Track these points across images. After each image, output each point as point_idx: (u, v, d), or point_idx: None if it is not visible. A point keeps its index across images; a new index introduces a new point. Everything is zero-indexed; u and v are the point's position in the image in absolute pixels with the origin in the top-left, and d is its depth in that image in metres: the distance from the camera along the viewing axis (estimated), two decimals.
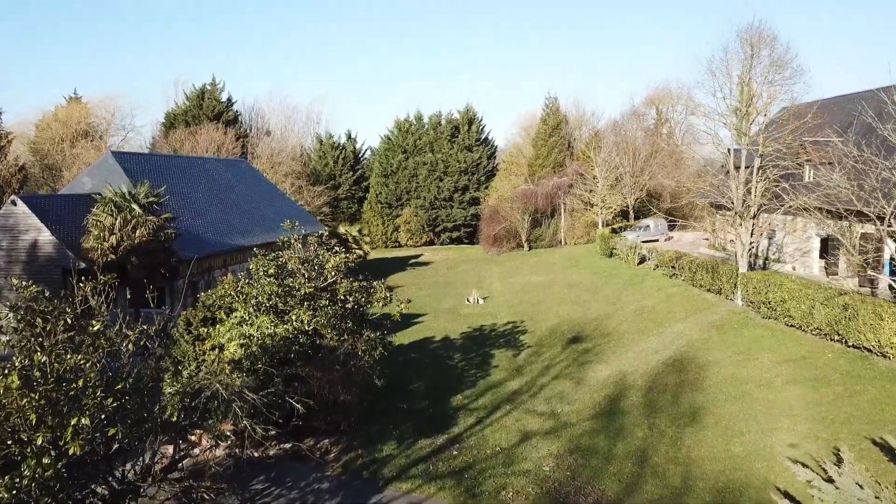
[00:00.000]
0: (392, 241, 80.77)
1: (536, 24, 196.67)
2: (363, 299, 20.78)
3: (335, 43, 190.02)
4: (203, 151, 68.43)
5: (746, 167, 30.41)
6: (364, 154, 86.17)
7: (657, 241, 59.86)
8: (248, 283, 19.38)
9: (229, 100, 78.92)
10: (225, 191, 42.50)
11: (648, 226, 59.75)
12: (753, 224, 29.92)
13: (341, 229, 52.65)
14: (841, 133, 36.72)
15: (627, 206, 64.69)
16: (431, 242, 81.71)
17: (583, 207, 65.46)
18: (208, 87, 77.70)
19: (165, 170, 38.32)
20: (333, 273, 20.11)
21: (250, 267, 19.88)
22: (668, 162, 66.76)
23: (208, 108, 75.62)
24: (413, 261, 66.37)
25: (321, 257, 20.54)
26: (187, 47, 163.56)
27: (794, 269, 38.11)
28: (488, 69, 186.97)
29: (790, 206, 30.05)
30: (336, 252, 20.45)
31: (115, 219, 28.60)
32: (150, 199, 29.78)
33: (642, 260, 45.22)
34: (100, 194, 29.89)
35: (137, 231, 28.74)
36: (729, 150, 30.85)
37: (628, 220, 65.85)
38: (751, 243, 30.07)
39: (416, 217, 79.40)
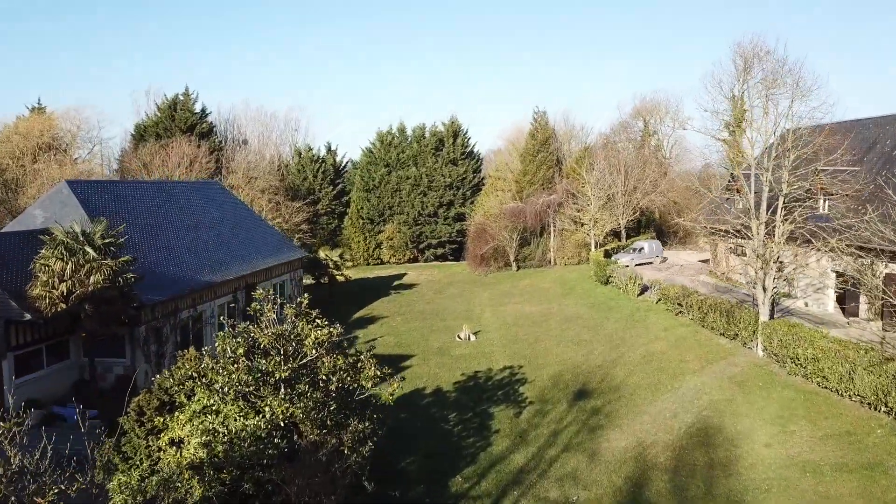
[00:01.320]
0: (374, 258, 77.66)
1: (524, 33, 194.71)
2: (349, 378, 17.75)
3: (313, 50, 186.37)
4: (175, 166, 64.92)
5: (769, 209, 27.59)
6: (345, 167, 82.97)
7: (651, 263, 57.59)
8: (213, 368, 16.25)
9: (203, 111, 75.32)
10: (195, 219, 39.18)
11: (642, 248, 57.43)
12: (777, 269, 27.24)
13: (321, 254, 49.52)
14: (857, 161, 34.49)
15: (619, 226, 62.26)
16: (415, 259, 78.75)
17: (573, 227, 62.92)
18: (181, 98, 74.05)
19: (128, 198, 34.94)
20: (314, 350, 17.07)
21: (216, 344, 16.76)
22: (662, 181, 64.52)
23: (181, 119, 71.98)
24: (397, 282, 63.33)
25: (299, 329, 17.49)
26: (160, 54, 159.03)
27: (806, 305, 35.75)
28: (474, 77, 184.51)
29: (813, 246, 27.59)
30: (318, 325, 17.37)
31: (66, 263, 25.24)
32: (107, 239, 26.46)
33: (643, 290, 42.70)
34: (49, 233, 26.53)
35: (92, 277, 25.41)
36: (749, 186, 27.99)
37: (620, 240, 63.49)
38: (774, 288, 27.41)
39: (399, 233, 76.40)
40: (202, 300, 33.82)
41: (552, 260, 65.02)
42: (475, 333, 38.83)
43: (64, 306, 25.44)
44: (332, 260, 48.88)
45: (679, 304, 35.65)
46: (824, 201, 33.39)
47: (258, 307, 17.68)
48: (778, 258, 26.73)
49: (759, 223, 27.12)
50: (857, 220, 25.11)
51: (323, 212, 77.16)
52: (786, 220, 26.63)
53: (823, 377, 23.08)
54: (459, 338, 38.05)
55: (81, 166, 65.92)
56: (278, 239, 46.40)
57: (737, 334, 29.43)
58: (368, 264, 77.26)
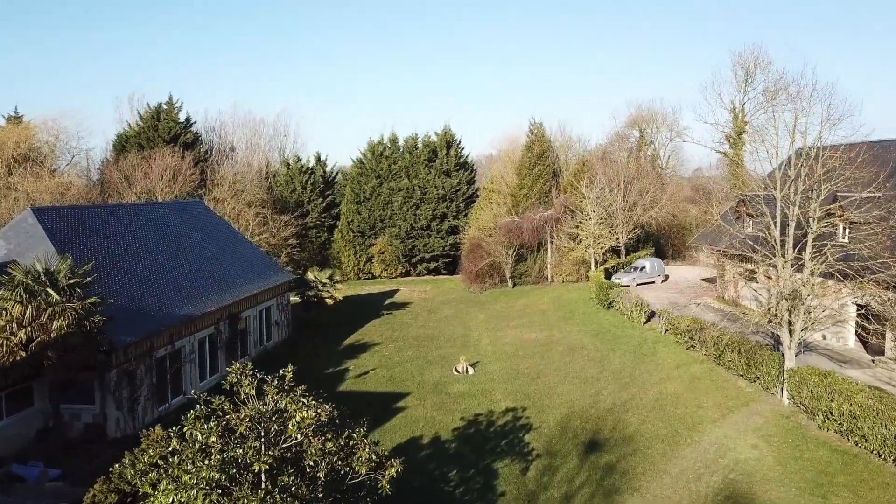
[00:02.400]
0: (365, 272, 75.25)
1: (519, 40, 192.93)
2: (340, 462, 15.42)
3: (302, 57, 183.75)
4: (157, 178, 62.38)
5: (797, 249, 25.34)
6: (335, 179, 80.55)
7: (653, 282, 55.61)
8: (179, 460, 13.86)
9: (188, 120, 72.79)
10: (175, 244, 36.75)
11: (644, 266, 55.43)
12: (806, 311, 25.04)
13: (310, 275, 47.13)
14: (880, 186, 32.48)
15: (619, 243, 60.22)
16: (408, 273, 76.43)
17: (571, 243, 60.81)
18: (164, 107, 71.52)
19: (101, 225, 32.48)
20: (300, 433, 14.73)
21: (184, 430, 14.39)
22: (662, 196, 62.60)
23: (164, 129, 69.42)
24: (389, 301, 60.97)
25: (282, 405, 15.12)
26: (143, 57, 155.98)
27: (824, 337, 33.70)
28: (466, 81, 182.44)
29: (843, 285, 25.52)
30: (304, 403, 14.96)
31: (26, 307, 22.84)
32: (73, 279, 24.04)
33: (649, 317, 40.63)
34: (8, 270, 24.07)
35: (54, 322, 23.00)
36: (773, 221, 25.75)
37: (619, 256, 61.47)
38: (803, 331, 25.23)
39: (390, 247, 74.06)
40: (181, 335, 31.40)
41: (549, 277, 62.91)
42: (473, 365, 36.60)
43: (24, 354, 23.03)
44: (320, 281, 46.48)
45: (691, 338, 33.54)
46: (844, 230, 31.39)
47: (234, 379, 15.34)
48: (806, 299, 24.59)
49: (786, 261, 24.97)
50: (893, 260, 23.06)
51: (312, 225, 74.75)
52: (815, 259, 24.49)
53: (863, 437, 21.00)
54: (457, 371, 35.80)
55: (60, 179, 63.16)
56: (264, 261, 44.00)
57: (758, 377, 27.34)
58: (359, 279, 74.84)
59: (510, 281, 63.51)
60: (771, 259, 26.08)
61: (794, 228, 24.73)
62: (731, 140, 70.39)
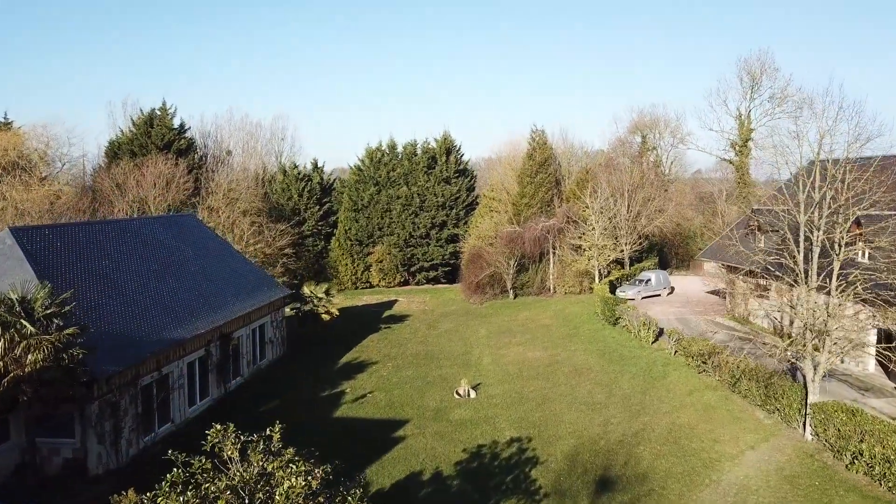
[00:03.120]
0: (363, 281, 73.77)
1: (519, 45, 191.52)
2: None
3: (299, 61, 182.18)
4: (150, 186, 60.92)
5: (821, 277, 23.82)
6: (332, 186, 79.04)
7: (659, 295, 54.20)
8: None
9: (182, 126, 71.27)
10: (164, 262, 35.22)
11: (649, 279, 53.98)
12: (833, 342, 23.50)
13: (305, 290, 45.60)
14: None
15: (623, 254, 58.77)
16: (406, 282, 74.96)
17: (574, 254, 59.36)
18: (158, 113, 69.97)
19: (86, 244, 30.93)
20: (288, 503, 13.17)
21: (158, 500, 12.83)
22: (668, 205, 61.15)
23: (157, 136, 67.89)
24: (387, 312, 59.49)
25: (269, 468, 13.55)
26: (139, 62, 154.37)
27: (842, 361, 32.23)
28: (466, 89, 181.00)
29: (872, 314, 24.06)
30: (293, 470, 13.37)
31: None
32: (49, 309, 22.51)
33: (657, 335, 39.18)
34: None
35: (29, 356, 21.43)
36: (797, 247, 24.18)
37: (623, 267, 60.04)
38: (829, 361, 23.71)
39: (389, 255, 72.56)
40: (169, 360, 29.87)
41: (551, 288, 61.47)
42: (475, 388, 35.11)
43: None
44: (316, 296, 44.94)
45: (703, 362, 32.07)
46: (864, 252, 29.92)
47: (215, 439, 13.78)
48: (833, 331, 23.08)
49: (810, 289, 23.46)
50: None
51: (309, 233, 73.24)
52: (842, 288, 22.97)
53: None
54: (458, 394, 34.31)
55: (49, 188, 61.57)
56: (258, 276, 42.47)
57: (778, 409, 25.87)
58: (357, 288, 73.38)
59: (511, 292, 62.08)
60: (793, 286, 24.55)
61: (818, 255, 23.19)
62: (737, 148, 69.02)
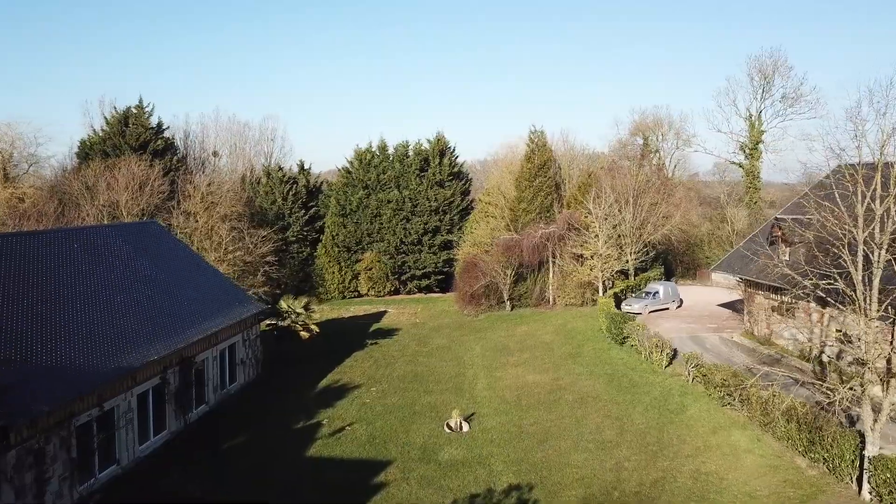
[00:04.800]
0: (351, 290, 69.73)
1: (516, 45, 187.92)
2: None
3: (289, 61, 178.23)
4: (123, 189, 56.89)
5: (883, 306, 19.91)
6: (319, 189, 74.94)
7: (667, 308, 50.38)
8: None
9: (159, 125, 67.13)
10: (117, 275, 31.19)
11: (657, 292, 50.15)
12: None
13: (283, 304, 41.56)
14: None
15: (628, 264, 54.89)
16: (397, 291, 70.96)
17: (575, 263, 55.47)
18: (134, 111, 65.83)
19: (20, 257, 26.88)
20: None
21: None
22: (675, 212, 57.33)
23: (132, 136, 63.83)
24: (375, 326, 55.52)
25: None
26: (119, 63, 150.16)
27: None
28: (460, 91, 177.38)
29: None
30: None
31: None
32: None
33: (671, 357, 35.32)
34: None
35: None
36: (854, 266, 20.17)
37: (627, 277, 56.18)
38: (893, 407, 19.78)
39: (379, 263, 68.56)
40: (114, 392, 25.79)
41: (551, 300, 57.56)
42: (468, 419, 31.17)
43: None
44: (294, 311, 40.93)
45: (728, 394, 28.15)
46: None
47: None
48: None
49: (870, 319, 19.48)
50: None
51: (293, 239, 69.17)
52: None
53: None
54: (449, 427, 30.33)
55: (14, 191, 57.48)
56: (229, 291, 38.44)
57: (825, 459, 21.95)
58: (344, 297, 69.35)
59: (508, 303, 58.21)
60: (846, 315, 20.64)
61: (878, 279, 19.23)
62: (747, 150, 65.35)
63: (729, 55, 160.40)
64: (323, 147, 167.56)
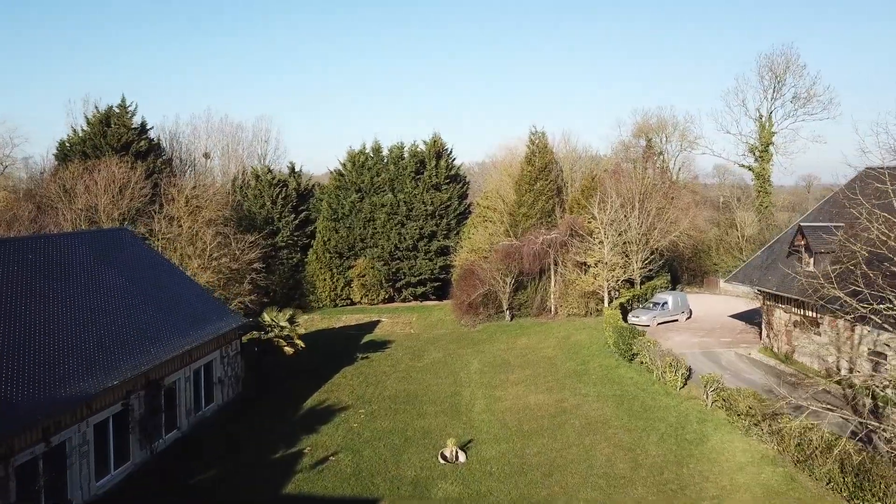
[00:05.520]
0: (343, 297, 66.82)
1: (513, 45, 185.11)
2: None
3: (284, 62, 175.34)
4: (102, 192, 53.99)
5: None
6: (311, 192, 71.95)
7: (676, 320, 47.55)
8: None
9: (143, 126, 64.18)
10: (77, 289, 28.24)
11: (665, 302, 47.30)
12: None
13: (266, 317, 38.61)
14: None
15: (634, 273, 52.05)
16: (391, 299, 68.05)
17: (577, 271, 52.64)
18: (116, 111, 62.89)
19: None
20: None
21: None
22: (684, 217, 54.52)
23: (113, 136, 60.91)
24: (367, 338, 52.59)
25: None
26: (109, 60, 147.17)
27: None
28: (458, 86, 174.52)
29: None
30: None
31: None
32: None
33: (686, 377, 32.44)
34: None
35: None
36: None
37: (632, 286, 53.33)
38: None
39: (372, 269, 65.66)
40: (66, 423, 22.86)
41: (553, 309, 54.70)
42: (464, 448, 28.26)
43: None
44: (278, 324, 37.99)
45: (757, 423, 25.25)
46: None
47: None
48: None
49: None
50: None
51: (283, 245, 66.20)
52: None
53: None
54: (444, 458, 27.42)
55: None
56: (207, 303, 35.49)
57: None
58: (336, 306, 66.42)
59: (507, 313, 55.34)
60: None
61: None
62: (757, 152, 62.53)
63: (736, 55, 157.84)
64: (318, 149, 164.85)
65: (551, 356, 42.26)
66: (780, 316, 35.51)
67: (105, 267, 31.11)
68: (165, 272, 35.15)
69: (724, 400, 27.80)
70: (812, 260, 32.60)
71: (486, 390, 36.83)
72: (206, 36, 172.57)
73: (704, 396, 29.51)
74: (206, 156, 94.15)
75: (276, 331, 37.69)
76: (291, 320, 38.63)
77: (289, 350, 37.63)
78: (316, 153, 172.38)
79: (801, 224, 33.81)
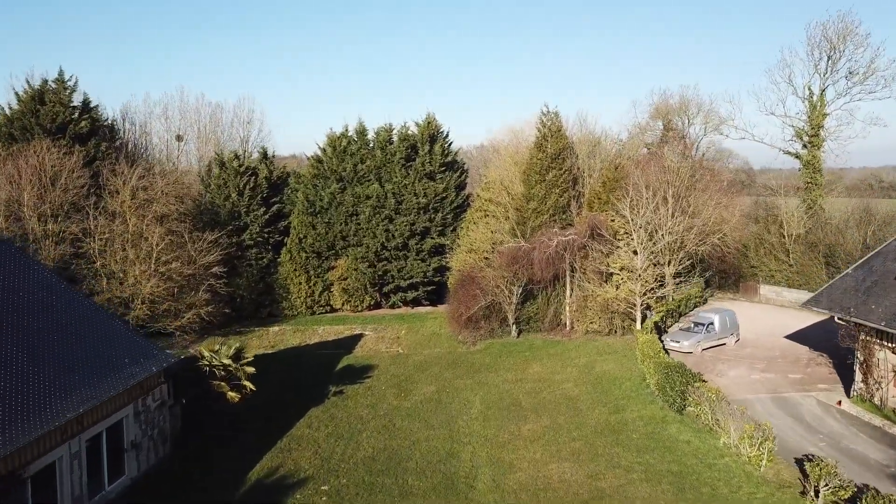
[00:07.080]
0: (321, 304, 57.80)
1: (514, 25, 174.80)
2: None
3: (266, 42, 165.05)
4: (27, 184, 44.67)
5: None
6: (285, 182, 62.50)
7: (724, 344, 38.73)
8: None
9: (86, 104, 54.64)
10: None
11: (711, 322, 38.38)
12: None
13: (204, 352, 29.48)
14: None
15: (668, 286, 43.08)
16: (378, 305, 59.04)
17: (600, 280, 43.73)
18: (52, 86, 53.34)
19: None
20: None
21: None
22: (730, 216, 45.45)
23: (47, 116, 51.41)
24: (345, 361, 43.60)
25: None
26: (55, 31, 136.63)
27: None
28: (456, 66, 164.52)
29: None
30: None
31: None
32: None
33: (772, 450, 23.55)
34: None
35: None
36: None
37: (664, 298, 44.42)
38: None
39: (355, 272, 56.56)
40: None
41: (568, 324, 45.83)
42: None
43: None
44: (221, 363, 28.95)
45: None
46: None
47: None
48: None
49: None
50: None
51: (251, 243, 57.01)
52: None
53: None
54: None
55: None
56: (117, 340, 26.34)
57: None
58: (314, 313, 57.42)
59: (514, 328, 46.50)
60: None
61: None
62: (806, 138, 53.38)
63: (785, 23, 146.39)
64: (306, 133, 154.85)
65: (573, 395, 33.40)
66: (888, 358, 26.61)
67: None
68: (59, 298, 25.94)
69: (831, 478, 18.94)
70: None
71: (492, 450, 27.94)
72: (189, 16, 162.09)
73: (809, 489, 20.58)
74: (179, 138, 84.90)
75: (218, 372, 28.64)
76: (238, 356, 29.56)
77: (233, 396, 28.65)
78: (306, 137, 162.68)
79: None
